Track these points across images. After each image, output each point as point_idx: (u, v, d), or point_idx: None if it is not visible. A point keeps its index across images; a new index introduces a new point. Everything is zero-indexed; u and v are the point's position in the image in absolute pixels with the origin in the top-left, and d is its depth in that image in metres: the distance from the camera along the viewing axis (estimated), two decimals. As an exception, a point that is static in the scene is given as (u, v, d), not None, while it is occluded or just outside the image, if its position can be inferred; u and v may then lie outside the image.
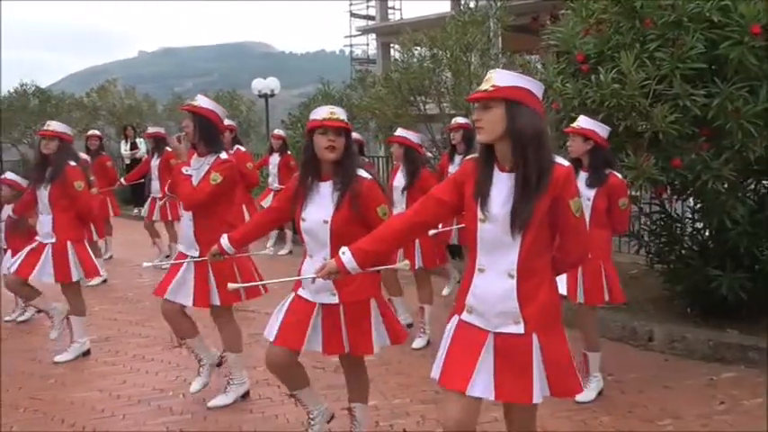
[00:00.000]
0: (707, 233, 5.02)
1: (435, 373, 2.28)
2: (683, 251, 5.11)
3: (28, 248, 4.58)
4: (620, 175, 3.72)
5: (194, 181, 3.63)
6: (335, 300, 2.81)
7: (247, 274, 3.74)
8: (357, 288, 2.79)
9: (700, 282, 4.75)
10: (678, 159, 4.06)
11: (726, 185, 4.20)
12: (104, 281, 6.88)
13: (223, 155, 3.65)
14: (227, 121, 5.45)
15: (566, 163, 2.15)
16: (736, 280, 4.50)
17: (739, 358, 4.37)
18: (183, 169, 3.66)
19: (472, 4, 7.98)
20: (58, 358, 4.63)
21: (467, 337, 2.22)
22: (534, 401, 2.16)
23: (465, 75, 7.12)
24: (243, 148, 7.14)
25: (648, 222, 5.53)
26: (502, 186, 2.13)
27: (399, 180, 4.81)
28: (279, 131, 8.90)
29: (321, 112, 2.82)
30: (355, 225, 2.75)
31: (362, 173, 2.82)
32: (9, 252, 5.50)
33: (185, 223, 3.73)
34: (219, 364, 4.00)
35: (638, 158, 4.00)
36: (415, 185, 4.66)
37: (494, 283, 2.16)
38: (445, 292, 5.92)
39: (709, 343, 4.49)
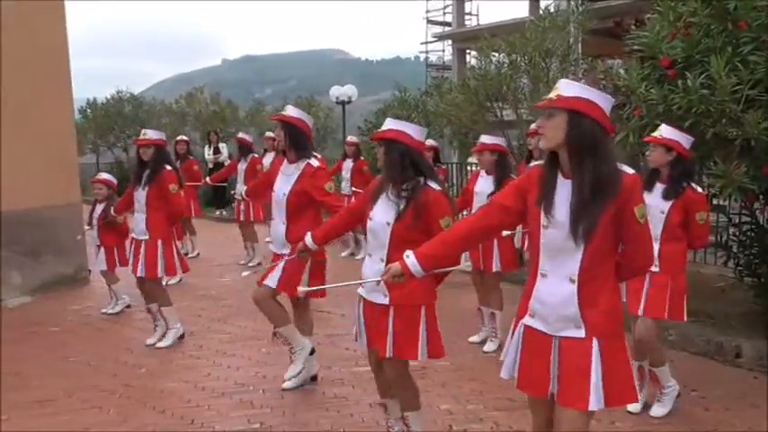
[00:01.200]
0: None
1: (505, 374, 2.38)
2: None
3: (142, 252, 4.88)
4: (699, 189, 3.56)
5: (285, 186, 3.88)
6: (386, 301, 2.89)
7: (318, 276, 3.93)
8: (410, 292, 2.83)
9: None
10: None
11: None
12: (180, 280, 7.10)
13: (313, 161, 3.89)
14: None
15: (631, 171, 2.17)
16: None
17: (835, 379, 4.10)
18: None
19: (552, 8, 7.86)
20: (159, 344, 4.99)
21: (535, 344, 2.27)
22: (590, 408, 2.16)
23: (543, 81, 7.02)
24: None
25: (738, 233, 5.28)
26: (565, 192, 2.17)
27: (484, 186, 4.79)
28: (352, 138, 9.08)
29: None
30: (416, 231, 2.82)
31: (432, 184, 2.89)
32: (102, 248, 5.91)
33: (277, 225, 3.97)
34: (312, 352, 4.16)
35: (728, 166, 3.82)
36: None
37: (555, 288, 2.20)
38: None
39: (804, 362, 4.24)
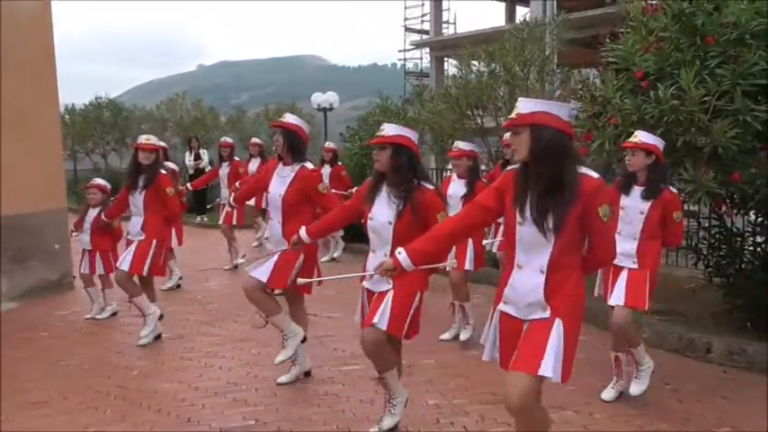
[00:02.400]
0: (768, 247, 5.00)
1: (487, 356, 2.69)
2: (744, 265, 5.10)
3: (133, 247, 5.03)
4: (674, 190, 3.83)
5: (281, 187, 4.09)
6: (389, 287, 3.21)
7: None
8: (410, 282, 3.15)
9: (761, 295, 4.74)
10: (737, 173, 4.11)
11: (787, 200, 4.22)
12: (178, 286, 7.27)
13: (308, 164, 4.14)
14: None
15: (595, 175, 2.44)
16: (798, 295, 4.48)
17: (801, 373, 4.35)
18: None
19: (528, 18, 8.11)
20: (141, 342, 5.10)
21: (509, 327, 2.58)
22: (541, 373, 2.38)
23: (522, 89, 7.26)
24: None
25: (707, 236, 5.54)
26: (536, 194, 2.43)
27: (457, 189, 5.06)
28: (330, 144, 9.27)
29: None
30: (415, 227, 3.12)
31: (425, 184, 3.20)
32: (97, 253, 5.94)
33: (274, 225, 4.18)
34: (304, 340, 4.33)
35: (697, 172, 4.07)
36: (473, 195, 4.89)
37: (528, 278, 2.49)
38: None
39: (771, 356, 4.48)
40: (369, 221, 3.27)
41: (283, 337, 4.22)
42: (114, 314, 6.09)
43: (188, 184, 8.92)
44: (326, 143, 9.56)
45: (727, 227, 5.31)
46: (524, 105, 2.43)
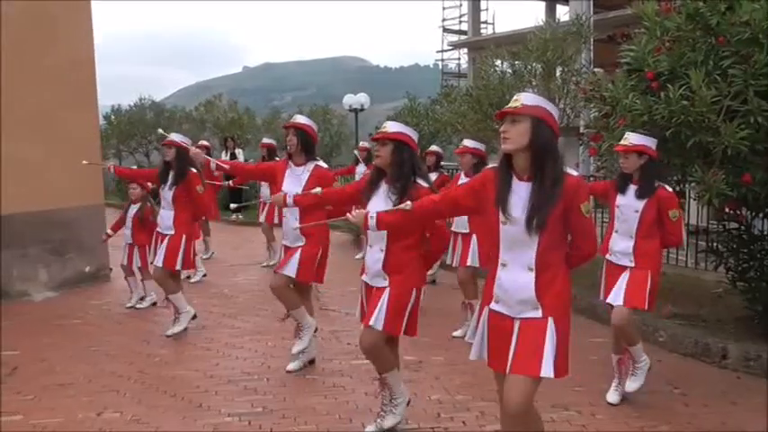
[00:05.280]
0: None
1: (474, 355, 2.68)
2: (765, 269, 5.00)
3: (165, 243, 5.23)
4: (668, 188, 3.82)
5: (296, 186, 4.26)
6: (386, 284, 3.28)
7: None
8: (405, 278, 3.24)
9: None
10: (749, 175, 4.06)
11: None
12: (204, 275, 7.59)
13: (321, 163, 4.36)
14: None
15: (575, 173, 2.47)
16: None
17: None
18: None
19: (567, 16, 8.06)
20: (170, 332, 5.30)
21: (499, 325, 2.56)
22: (542, 374, 2.42)
23: (543, 90, 7.24)
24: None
25: (728, 239, 5.43)
26: (521, 193, 2.46)
27: None
28: (364, 143, 9.37)
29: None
30: (409, 222, 3.14)
31: (421, 181, 3.27)
32: (136, 247, 6.22)
33: (290, 222, 4.35)
34: (315, 330, 4.58)
35: (705, 173, 4.04)
36: None
37: (516, 276, 2.50)
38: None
39: (788, 364, 4.39)
40: None
41: (299, 328, 4.45)
42: (154, 304, 6.37)
43: (229, 182, 9.09)
44: (361, 143, 9.69)
45: (747, 229, 5.20)
46: (527, 98, 2.44)
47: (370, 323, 3.24)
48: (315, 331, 4.55)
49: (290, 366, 4.51)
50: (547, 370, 2.41)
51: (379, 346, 3.32)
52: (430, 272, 6.49)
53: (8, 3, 6.63)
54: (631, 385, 3.96)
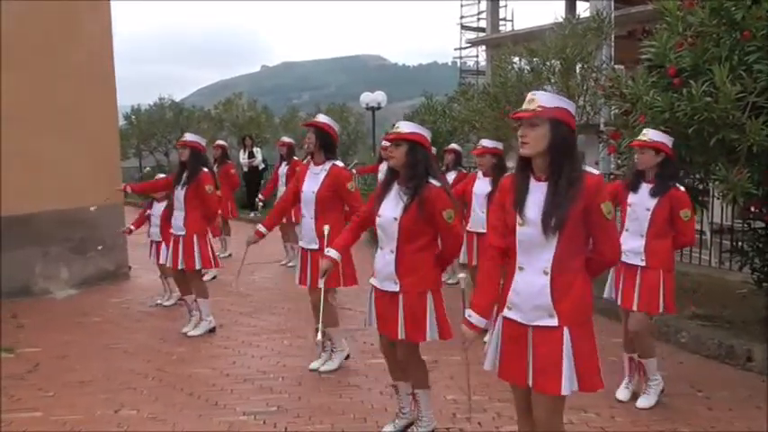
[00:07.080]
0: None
1: (488, 365, 2.58)
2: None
3: (180, 246, 5.26)
4: (682, 188, 3.72)
5: (314, 185, 4.25)
6: (396, 288, 3.19)
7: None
8: (418, 280, 3.16)
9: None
10: (774, 173, 3.96)
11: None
12: (214, 277, 7.53)
13: (339, 162, 4.31)
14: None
15: (596, 172, 2.37)
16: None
17: None
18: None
19: (587, 14, 7.95)
20: (190, 333, 5.35)
21: (513, 334, 2.46)
22: (563, 393, 2.34)
23: (562, 87, 7.15)
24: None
25: (755, 239, 5.32)
26: (538, 194, 2.37)
27: (482, 187, 5.11)
28: (386, 143, 9.30)
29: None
30: (422, 224, 3.13)
31: (433, 181, 3.15)
32: (163, 244, 6.26)
33: (307, 221, 4.34)
34: (347, 357, 4.62)
35: (729, 171, 3.94)
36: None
37: (531, 280, 2.38)
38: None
39: (814, 366, 4.28)
40: (377, 219, 3.28)
41: (332, 349, 4.52)
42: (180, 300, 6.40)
43: (259, 195, 9.03)
44: (383, 142, 9.64)
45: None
46: (544, 99, 2.35)
47: (399, 336, 3.19)
48: (346, 358, 4.58)
49: (324, 368, 4.51)
50: (567, 386, 2.33)
51: (414, 355, 3.32)
52: (452, 280, 6.32)
53: (19, 3, 6.68)
54: (642, 402, 3.88)
